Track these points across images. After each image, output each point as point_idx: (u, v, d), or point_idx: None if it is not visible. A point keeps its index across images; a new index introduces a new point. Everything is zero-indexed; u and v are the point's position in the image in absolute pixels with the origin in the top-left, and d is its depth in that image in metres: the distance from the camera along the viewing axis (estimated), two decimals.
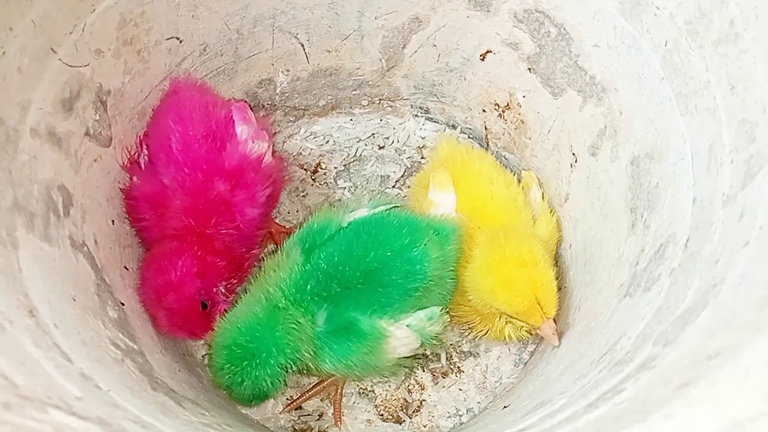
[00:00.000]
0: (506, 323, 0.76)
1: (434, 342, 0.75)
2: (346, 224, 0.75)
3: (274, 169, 0.80)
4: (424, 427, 0.82)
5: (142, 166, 0.75)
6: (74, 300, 0.59)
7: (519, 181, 0.85)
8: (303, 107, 0.95)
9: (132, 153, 0.75)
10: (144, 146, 0.75)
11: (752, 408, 0.36)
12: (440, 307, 0.74)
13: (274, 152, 0.81)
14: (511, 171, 0.88)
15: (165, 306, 0.70)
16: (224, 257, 0.74)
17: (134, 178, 0.75)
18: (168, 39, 0.76)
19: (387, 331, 0.71)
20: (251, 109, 0.82)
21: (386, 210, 0.77)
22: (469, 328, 0.80)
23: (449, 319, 0.78)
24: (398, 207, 0.79)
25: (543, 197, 0.84)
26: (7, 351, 0.46)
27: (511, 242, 0.73)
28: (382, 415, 0.82)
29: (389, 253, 0.70)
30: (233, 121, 0.77)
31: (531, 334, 0.78)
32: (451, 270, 0.74)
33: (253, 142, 0.77)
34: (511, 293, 0.71)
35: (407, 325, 0.72)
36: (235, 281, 0.76)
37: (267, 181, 0.77)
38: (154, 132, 0.76)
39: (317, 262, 0.71)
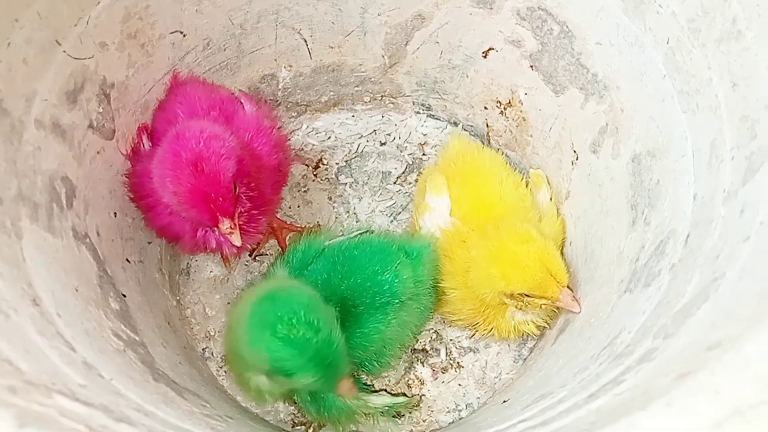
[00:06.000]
0: (513, 316, 0.76)
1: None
2: (325, 247, 0.76)
3: (283, 139, 0.80)
4: (423, 421, 0.82)
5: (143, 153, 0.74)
6: (77, 290, 0.60)
7: (527, 184, 0.85)
8: (305, 103, 0.95)
9: (134, 143, 0.75)
10: (145, 135, 0.75)
11: (753, 396, 0.36)
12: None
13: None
14: (513, 168, 0.88)
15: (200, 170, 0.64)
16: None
17: (137, 166, 0.74)
18: (172, 33, 0.76)
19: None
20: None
21: (360, 235, 0.78)
22: (474, 328, 0.81)
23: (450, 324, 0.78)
24: (371, 231, 0.81)
25: (551, 199, 0.84)
26: (11, 338, 0.46)
27: (505, 228, 0.74)
28: None
29: (359, 281, 0.72)
30: (239, 101, 0.78)
31: (538, 329, 0.78)
32: (427, 287, 0.76)
33: (261, 117, 0.77)
34: (522, 270, 0.71)
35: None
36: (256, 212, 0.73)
37: (278, 147, 0.77)
38: (159, 118, 0.76)
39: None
